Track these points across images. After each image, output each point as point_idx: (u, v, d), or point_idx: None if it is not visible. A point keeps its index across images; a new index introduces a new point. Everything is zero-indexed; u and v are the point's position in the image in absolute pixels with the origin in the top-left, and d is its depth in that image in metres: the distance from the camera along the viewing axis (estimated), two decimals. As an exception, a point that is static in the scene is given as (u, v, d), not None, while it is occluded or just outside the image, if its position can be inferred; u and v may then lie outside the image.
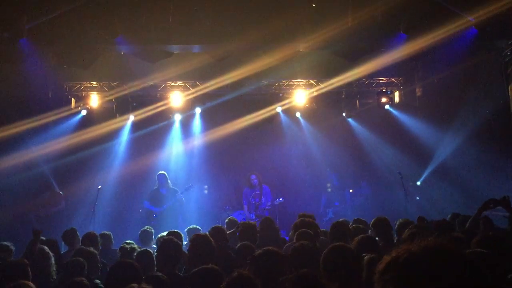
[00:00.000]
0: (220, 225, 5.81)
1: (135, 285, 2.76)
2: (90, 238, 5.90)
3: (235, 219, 7.63)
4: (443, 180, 10.64)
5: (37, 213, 10.30)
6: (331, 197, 11.51)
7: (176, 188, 10.05)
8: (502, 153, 9.78)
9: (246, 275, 2.90)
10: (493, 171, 10.04)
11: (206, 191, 11.59)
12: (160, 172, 10.12)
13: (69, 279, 3.86)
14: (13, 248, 5.52)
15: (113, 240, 6.75)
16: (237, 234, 5.67)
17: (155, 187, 10.03)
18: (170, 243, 4.41)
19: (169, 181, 10.09)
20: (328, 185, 12.21)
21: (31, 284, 3.32)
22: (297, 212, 6.18)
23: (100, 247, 6.06)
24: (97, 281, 4.18)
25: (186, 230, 6.93)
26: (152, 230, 7.30)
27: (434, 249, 1.33)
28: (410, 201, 9.74)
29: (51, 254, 4.77)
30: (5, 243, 5.53)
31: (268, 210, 9.85)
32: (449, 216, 6.51)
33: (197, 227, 7.00)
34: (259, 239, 5.48)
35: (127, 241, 6.48)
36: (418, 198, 10.99)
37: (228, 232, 5.86)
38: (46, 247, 4.92)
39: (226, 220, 7.41)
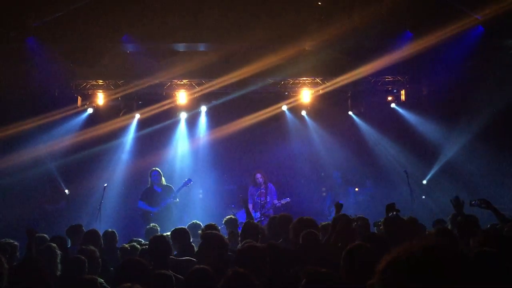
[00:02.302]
0: (214, 223, 5.77)
1: (128, 284, 2.77)
2: (91, 236, 5.89)
3: (232, 217, 7.44)
4: (449, 179, 10.59)
5: (42, 210, 10.37)
6: (335, 195, 11.48)
7: (170, 185, 9.65)
8: (508, 152, 9.73)
9: (241, 272, 2.91)
10: (499, 170, 9.99)
11: (201, 196, 11.46)
12: (154, 168, 9.68)
13: (71, 277, 3.89)
14: (17, 243, 5.53)
15: (117, 238, 6.75)
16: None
17: (148, 185, 9.60)
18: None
19: (163, 178, 9.64)
20: (323, 189, 12.17)
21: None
22: (302, 212, 6.15)
23: (103, 245, 6.06)
24: (101, 280, 4.19)
25: (187, 226, 6.88)
26: (158, 228, 7.30)
27: (435, 248, 1.32)
28: (415, 199, 9.72)
29: (58, 252, 4.78)
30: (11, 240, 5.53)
31: (273, 209, 9.79)
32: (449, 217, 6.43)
33: (198, 222, 6.88)
34: (268, 237, 5.46)
35: (133, 238, 6.54)
36: (424, 197, 10.96)
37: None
38: (53, 244, 4.94)
39: (224, 220, 7.20)
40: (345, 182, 11.71)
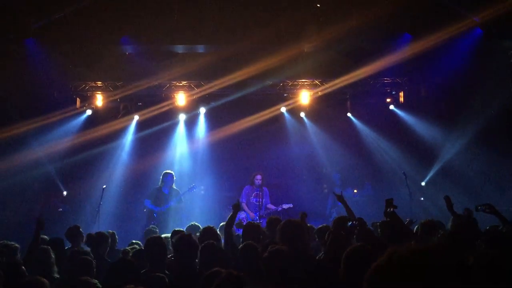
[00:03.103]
0: (211, 226, 5.76)
1: (131, 286, 2.78)
2: (99, 238, 5.86)
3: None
4: (448, 181, 10.59)
5: (42, 210, 10.37)
6: (335, 197, 11.47)
7: (177, 189, 9.81)
8: (506, 154, 9.74)
9: (235, 274, 2.91)
10: (497, 171, 10.00)
11: (202, 192, 11.51)
12: (168, 171, 9.86)
13: (73, 278, 3.90)
14: (18, 246, 5.52)
15: (117, 240, 6.75)
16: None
17: (158, 186, 9.76)
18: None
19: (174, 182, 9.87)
20: (324, 186, 12.19)
21: (44, 279, 3.37)
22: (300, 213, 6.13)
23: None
24: (95, 281, 4.21)
25: (186, 227, 6.91)
26: (157, 229, 7.31)
27: (424, 252, 1.30)
28: (414, 201, 9.72)
29: (52, 253, 4.79)
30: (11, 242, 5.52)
31: (271, 212, 9.73)
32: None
33: (197, 224, 6.94)
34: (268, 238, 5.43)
35: (133, 241, 6.53)
36: (422, 198, 10.96)
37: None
38: (47, 247, 4.94)
39: (220, 225, 7.20)
40: (343, 184, 11.71)
